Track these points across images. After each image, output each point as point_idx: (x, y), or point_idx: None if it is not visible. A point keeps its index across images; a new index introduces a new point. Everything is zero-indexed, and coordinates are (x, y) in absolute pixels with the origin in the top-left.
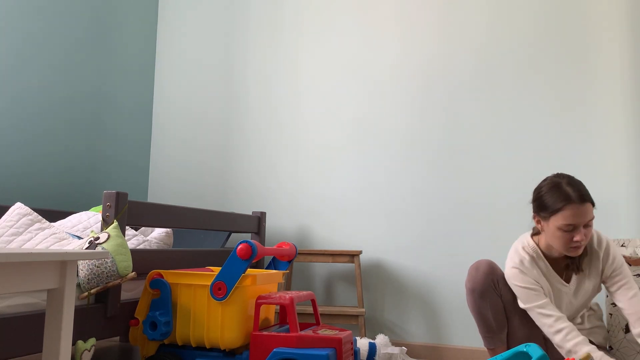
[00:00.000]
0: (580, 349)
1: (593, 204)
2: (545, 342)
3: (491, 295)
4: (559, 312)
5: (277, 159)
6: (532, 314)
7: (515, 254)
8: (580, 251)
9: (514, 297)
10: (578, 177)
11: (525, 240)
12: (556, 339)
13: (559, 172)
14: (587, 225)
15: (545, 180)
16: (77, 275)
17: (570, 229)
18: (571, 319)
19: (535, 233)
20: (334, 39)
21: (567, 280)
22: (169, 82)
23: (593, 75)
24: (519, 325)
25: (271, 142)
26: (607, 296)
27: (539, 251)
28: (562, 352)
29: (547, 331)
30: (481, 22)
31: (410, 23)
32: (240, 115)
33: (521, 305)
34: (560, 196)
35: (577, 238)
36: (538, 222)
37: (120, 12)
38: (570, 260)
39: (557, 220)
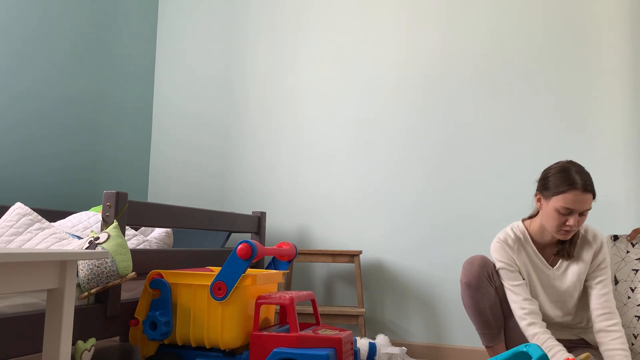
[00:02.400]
0: (539, 338)
1: (594, 197)
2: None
3: (487, 288)
4: (529, 296)
5: (277, 159)
6: (506, 290)
7: (502, 232)
8: (569, 236)
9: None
10: None
11: (515, 223)
12: (521, 323)
13: (572, 160)
14: (582, 214)
15: (557, 163)
16: (77, 275)
17: (566, 213)
18: (554, 304)
19: (528, 218)
20: (333, 39)
21: (553, 265)
22: (169, 82)
23: (594, 75)
24: (514, 325)
25: (271, 142)
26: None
27: (527, 234)
28: (525, 334)
29: (514, 309)
30: (483, 23)
31: (411, 24)
32: (240, 115)
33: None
34: (567, 180)
35: (570, 222)
36: (539, 200)
37: (121, 14)
38: (562, 246)
39: (557, 202)
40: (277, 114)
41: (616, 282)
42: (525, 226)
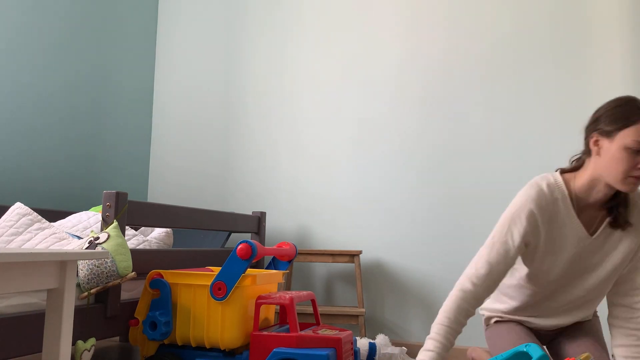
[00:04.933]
0: (444, 315)
1: None
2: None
3: None
4: (494, 284)
5: (277, 159)
6: (484, 248)
7: (535, 188)
8: (636, 187)
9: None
10: None
11: (552, 177)
12: (459, 287)
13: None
14: None
15: (613, 99)
16: (77, 275)
17: (638, 148)
18: (574, 282)
19: (567, 171)
20: (334, 39)
21: (592, 233)
22: (169, 82)
23: (594, 75)
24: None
25: (271, 142)
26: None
27: (566, 192)
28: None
29: (469, 272)
30: (483, 20)
31: (411, 24)
32: (240, 115)
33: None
34: (638, 110)
35: None
36: (596, 142)
37: (120, 7)
38: (614, 212)
39: (627, 136)
40: (277, 114)
41: None
42: (565, 182)
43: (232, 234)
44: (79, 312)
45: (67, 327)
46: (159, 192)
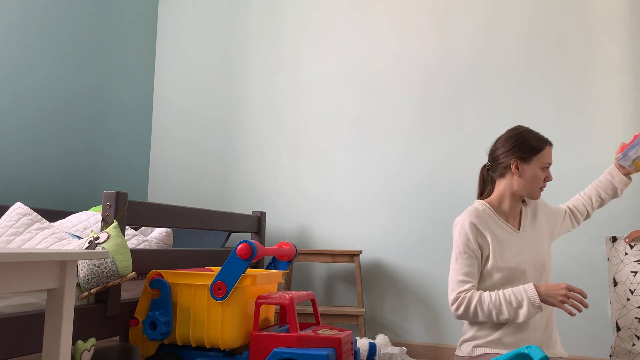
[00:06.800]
0: (491, 294)
1: None
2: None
3: None
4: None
5: (277, 159)
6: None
7: (467, 212)
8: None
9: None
10: (577, 175)
11: (475, 204)
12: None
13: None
14: None
15: (513, 130)
16: (77, 275)
17: (547, 167)
18: (536, 270)
19: (481, 197)
20: (333, 39)
21: (518, 228)
22: (169, 82)
23: (593, 73)
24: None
25: (271, 142)
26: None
27: (489, 207)
28: (503, 312)
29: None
30: (480, 19)
31: (408, 22)
32: (240, 115)
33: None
34: (541, 138)
35: (549, 177)
36: (517, 166)
37: (120, 14)
38: (523, 206)
39: (541, 159)
40: (277, 114)
41: (615, 283)
42: (485, 202)
43: (232, 234)
44: (79, 312)
45: (67, 327)
46: (159, 192)
